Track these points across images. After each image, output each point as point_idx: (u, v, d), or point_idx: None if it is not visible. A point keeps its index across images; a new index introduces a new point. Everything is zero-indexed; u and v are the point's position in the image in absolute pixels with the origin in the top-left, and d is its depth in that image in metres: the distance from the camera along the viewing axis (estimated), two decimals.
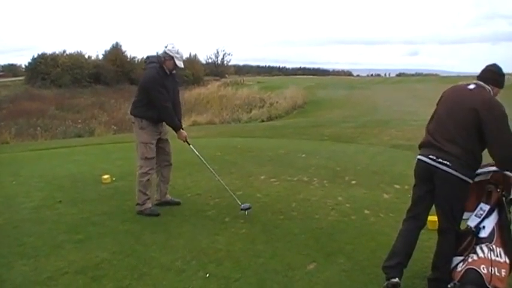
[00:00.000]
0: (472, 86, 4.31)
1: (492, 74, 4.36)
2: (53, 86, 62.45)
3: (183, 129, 6.76)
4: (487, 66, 4.40)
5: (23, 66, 78.96)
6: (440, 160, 4.09)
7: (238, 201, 6.58)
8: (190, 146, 6.85)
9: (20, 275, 4.68)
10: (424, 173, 4.30)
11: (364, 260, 5.04)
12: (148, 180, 6.64)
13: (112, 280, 4.56)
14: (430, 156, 4.18)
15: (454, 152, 4.07)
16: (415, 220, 4.49)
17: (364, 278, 4.64)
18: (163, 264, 4.94)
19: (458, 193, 4.20)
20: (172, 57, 6.48)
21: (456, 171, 4.05)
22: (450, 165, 4.05)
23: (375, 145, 13.14)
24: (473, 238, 4.27)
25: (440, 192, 4.23)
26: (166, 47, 6.62)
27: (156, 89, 6.42)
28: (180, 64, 6.57)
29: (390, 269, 4.36)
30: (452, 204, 4.24)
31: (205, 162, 6.97)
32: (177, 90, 6.93)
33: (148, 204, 6.67)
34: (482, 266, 4.00)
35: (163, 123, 6.78)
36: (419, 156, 4.35)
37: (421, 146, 4.44)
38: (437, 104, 4.55)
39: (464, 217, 4.39)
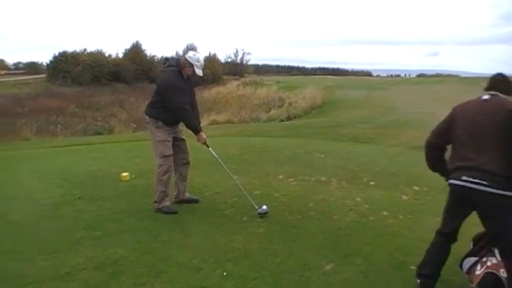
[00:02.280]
0: (486, 97, 4.16)
1: (501, 83, 4.23)
2: (73, 84, 63.21)
3: (202, 131, 6.77)
4: (494, 77, 4.27)
5: (45, 64, 79.85)
6: (477, 181, 3.87)
7: (255, 205, 6.58)
8: (209, 148, 6.85)
9: (40, 270, 4.72)
10: (460, 197, 4.10)
11: (382, 261, 5.02)
12: (168, 178, 6.67)
13: (130, 277, 4.59)
14: (464, 178, 3.96)
15: (492, 168, 3.87)
16: (450, 237, 4.36)
17: (382, 279, 4.62)
18: (181, 262, 4.96)
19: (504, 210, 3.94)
20: (192, 65, 6.51)
21: (494, 188, 3.82)
22: (487, 184, 3.83)
23: (394, 146, 13.08)
24: (488, 240, 4.23)
25: (484, 214, 4.03)
26: (187, 52, 6.65)
27: (174, 93, 6.44)
28: (199, 72, 6.57)
29: (425, 278, 4.34)
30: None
31: (223, 164, 6.97)
32: (193, 93, 6.96)
33: (167, 202, 6.70)
34: (502, 270, 3.96)
35: (180, 125, 6.82)
36: (454, 181, 4.10)
37: (453, 170, 4.17)
38: (447, 122, 4.41)
39: None
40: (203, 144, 6.78)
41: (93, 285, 4.44)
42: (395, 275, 4.67)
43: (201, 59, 6.63)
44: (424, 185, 8.08)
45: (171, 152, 6.67)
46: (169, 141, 6.65)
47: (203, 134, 6.72)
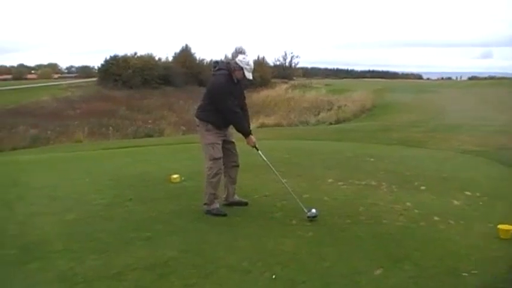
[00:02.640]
0: None
1: None
2: (123, 87, 64.45)
3: (252, 134, 6.79)
4: None
5: (96, 67, 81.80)
6: None
7: (304, 209, 6.51)
8: (259, 152, 6.86)
9: (91, 269, 4.80)
10: None
11: (432, 267, 4.91)
12: (218, 180, 6.69)
13: (179, 278, 4.62)
14: None
15: None
16: None
17: (432, 285, 4.52)
18: (230, 264, 4.97)
19: None
20: (242, 68, 6.53)
21: None
22: None
23: (445, 150, 12.86)
24: None
25: None
26: (236, 55, 6.66)
27: (225, 97, 6.49)
28: (249, 76, 6.59)
29: None
30: None
31: (272, 168, 6.94)
32: (243, 96, 6.98)
33: (216, 204, 6.73)
34: None
35: (230, 128, 6.85)
36: None
37: None
38: None
39: None
40: (253, 147, 6.79)
41: (143, 285, 4.49)
42: (446, 282, 4.56)
43: (251, 62, 6.65)
44: (476, 191, 7.91)
45: (221, 154, 6.70)
46: (218, 144, 6.68)
47: (253, 137, 6.73)
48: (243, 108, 6.87)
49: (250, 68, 6.61)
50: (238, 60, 6.58)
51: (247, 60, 6.61)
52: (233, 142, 6.96)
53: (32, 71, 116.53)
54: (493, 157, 11.33)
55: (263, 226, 6.20)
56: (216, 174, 6.65)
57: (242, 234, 5.89)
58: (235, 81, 6.63)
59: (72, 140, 25.10)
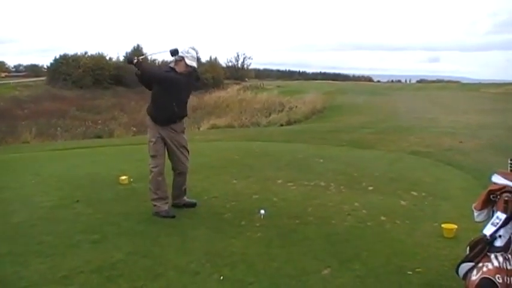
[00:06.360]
0: None
1: None
2: (74, 86, 63.66)
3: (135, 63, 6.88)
4: None
5: (45, 66, 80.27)
6: None
7: None
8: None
9: (36, 273, 4.72)
10: None
11: (380, 266, 4.99)
12: (157, 179, 6.66)
13: (127, 280, 4.58)
14: None
15: None
16: None
17: (379, 285, 4.59)
18: (178, 266, 4.94)
19: None
20: (182, 58, 6.52)
21: None
22: None
23: (394, 151, 13.06)
24: (485, 246, 4.19)
25: None
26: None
27: (158, 73, 6.85)
28: (191, 63, 6.56)
29: None
30: None
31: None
32: (189, 91, 6.96)
33: (165, 206, 6.68)
34: (498, 275, 3.93)
35: (179, 132, 6.80)
36: None
37: None
38: None
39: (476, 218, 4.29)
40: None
41: None
42: (392, 280, 4.64)
43: (191, 51, 6.65)
44: (422, 191, 8.08)
45: (156, 152, 6.66)
46: (152, 141, 6.66)
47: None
48: (184, 101, 6.84)
49: (192, 57, 6.59)
50: (180, 52, 6.58)
51: (187, 49, 6.60)
52: (184, 146, 6.88)
53: None
54: (440, 158, 11.58)
55: (212, 227, 6.19)
56: (152, 171, 6.66)
57: (191, 235, 5.88)
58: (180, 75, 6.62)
59: (19, 140, 24.60)
